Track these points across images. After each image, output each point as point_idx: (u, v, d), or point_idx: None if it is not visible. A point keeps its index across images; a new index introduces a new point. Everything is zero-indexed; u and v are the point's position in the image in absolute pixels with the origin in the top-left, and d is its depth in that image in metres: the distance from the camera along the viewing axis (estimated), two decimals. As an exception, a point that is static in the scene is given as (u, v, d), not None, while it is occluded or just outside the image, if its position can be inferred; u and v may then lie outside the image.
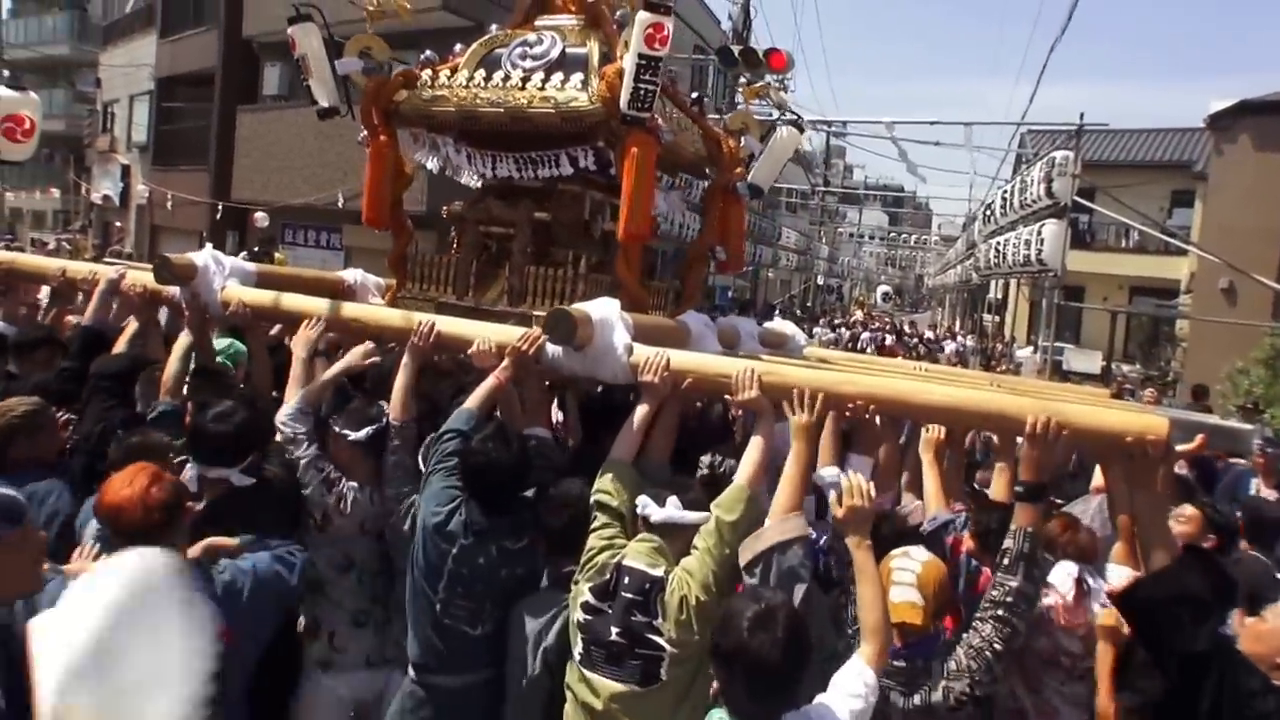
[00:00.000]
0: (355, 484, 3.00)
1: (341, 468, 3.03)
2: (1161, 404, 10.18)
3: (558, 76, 3.57)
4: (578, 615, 2.56)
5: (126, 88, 22.98)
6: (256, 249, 13.06)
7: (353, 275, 4.46)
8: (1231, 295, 15.16)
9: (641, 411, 2.90)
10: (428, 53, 4.02)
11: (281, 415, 3.04)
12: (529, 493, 2.88)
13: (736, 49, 16.87)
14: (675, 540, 2.58)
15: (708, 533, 2.55)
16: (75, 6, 30.81)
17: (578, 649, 2.54)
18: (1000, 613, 2.38)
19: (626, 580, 2.51)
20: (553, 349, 3.06)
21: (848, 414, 2.80)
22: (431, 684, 2.80)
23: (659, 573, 2.50)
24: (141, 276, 4.01)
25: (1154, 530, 2.55)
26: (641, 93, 3.19)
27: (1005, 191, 16.40)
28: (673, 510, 2.56)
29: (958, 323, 36.13)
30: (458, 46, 4.02)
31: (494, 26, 4.03)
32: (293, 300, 3.73)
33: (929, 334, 27.75)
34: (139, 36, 22.52)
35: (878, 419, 2.92)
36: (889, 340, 22.95)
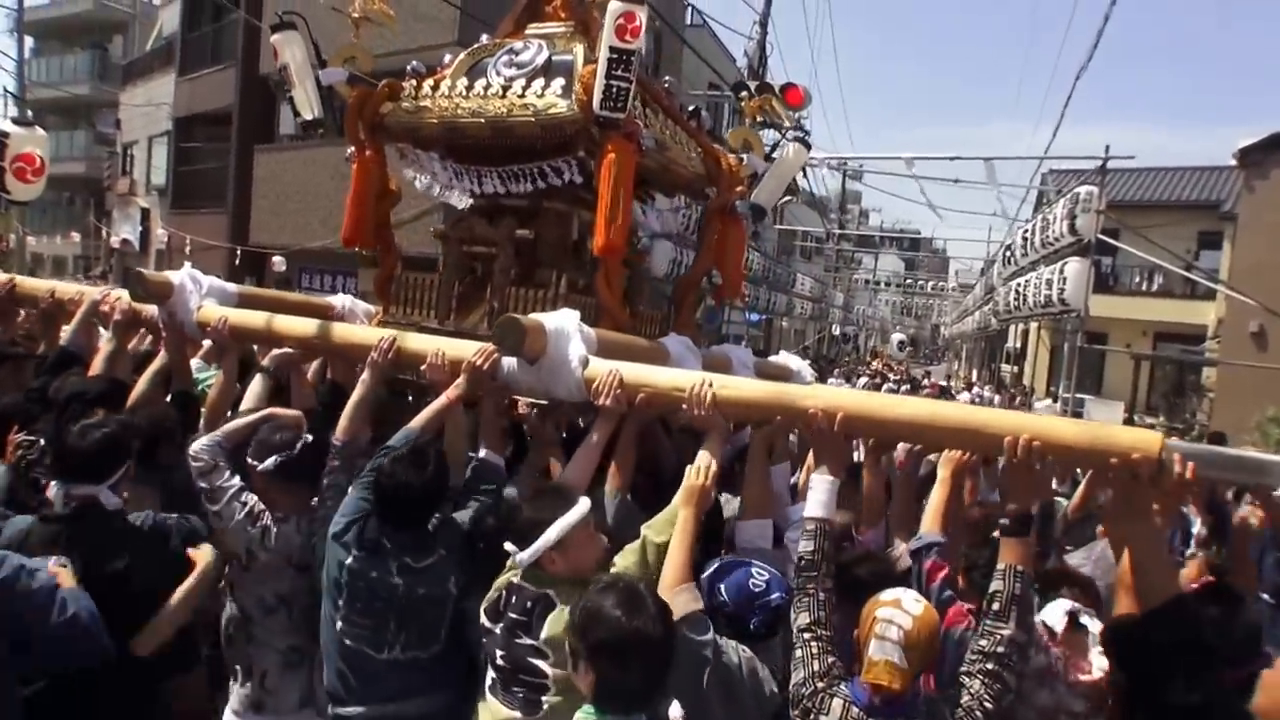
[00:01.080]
0: (279, 515, 2.85)
1: (267, 502, 2.87)
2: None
3: (539, 83, 3.39)
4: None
5: (145, 129, 23.20)
6: (273, 291, 13.03)
7: (341, 301, 4.30)
8: (1262, 339, 14.75)
9: (595, 436, 2.75)
10: (415, 63, 3.87)
11: (195, 446, 2.87)
12: (463, 515, 2.72)
13: (753, 84, 16.94)
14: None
15: (631, 551, 2.44)
16: (96, 46, 31.20)
17: (489, 674, 2.40)
18: (990, 665, 2.13)
19: (514, 599, 2.39)
20: (507, 363, 2.87)
21: (809, 428, 2.56)
22: (341, 716, 2.61)
23: (543, 591, 2.36)
24: (123, 295, 3.88)
25: (1149, 566, 2.24)
26: (614, 90, 2.99)
27: (1026, 231, 16.13)
28: (533, 551, 2.35)
29: (974, 373, 35.62)
30: (446, 57, 3.86)
31: (484, 36, 3.88)
32: (271, 320, 3.56)
33: (944, 383, 27.31)
34: (158, 76, 22.74)
35: (862, 446, 2.73)
36: (904, 390, 22.59)
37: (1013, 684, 2.14)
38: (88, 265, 29.09)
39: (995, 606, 2.19)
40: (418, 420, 2.87)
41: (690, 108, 3.97)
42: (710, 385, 2.63)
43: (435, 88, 3.65)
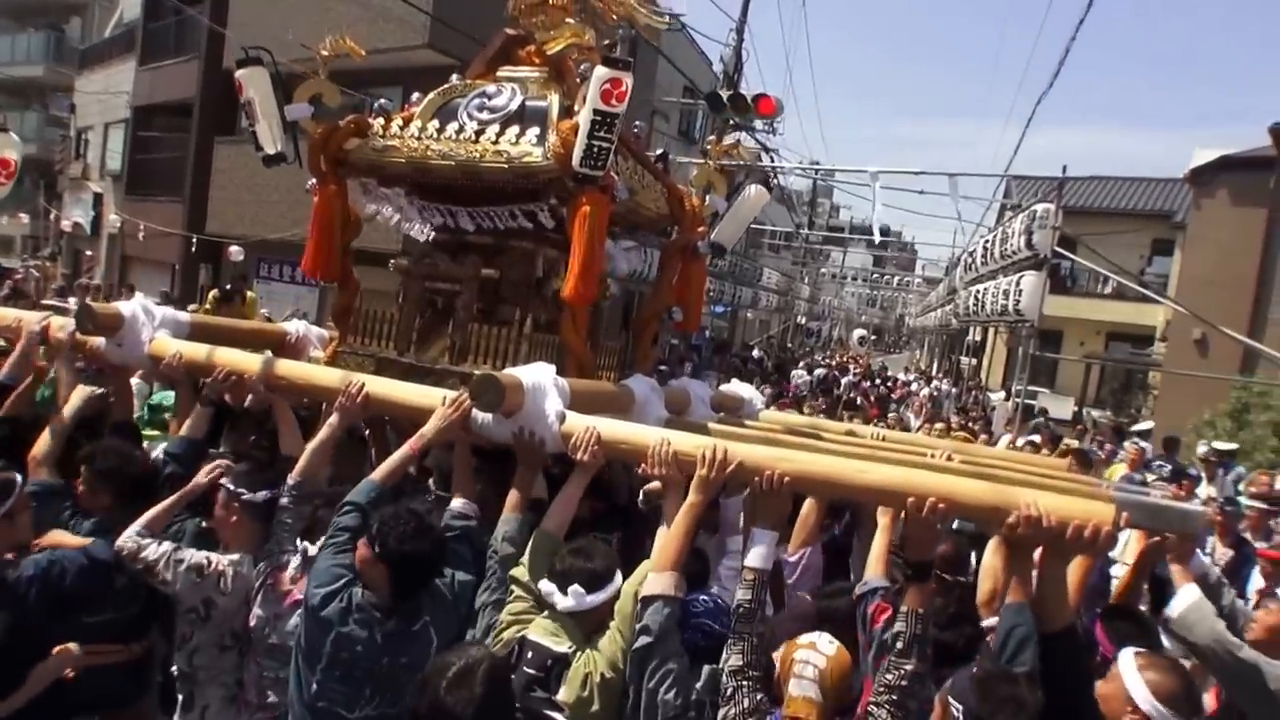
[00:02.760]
0: (234, 556, 2.88)
1: (223, 536, 2.91)
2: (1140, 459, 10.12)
3: (513, 130, 3.41)
4: None
5: (102, 115, 22.69)
6: (229, 286, 12.78)
7: (295, 327, 4.30)
8: (1204, 346, 15.35)
9: (571, 488, 2.82)
10: (382, 100, 3.88)
11: (120, 541, 2.85)
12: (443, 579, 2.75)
13: (725, 94, 16.86)
14: (584, 620, 2.54)
15: (620, 608, 2.54)
16: (53, 27, 30.11)
17: None
18: (895, 697, 2.32)
19: (529, 655, 2.47)
20: (482, 415, 2.89)
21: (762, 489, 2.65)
22: None
23: (563, 649, 2.47)
24: (66, 324, 3.77)
25: (1051, 596, 2.47)
26: (595, 150, 3.05)
27: (987, 241, 16.43)
28: (575, 600, 2.50)
29: (935, 364, 36.21)
30: (415, 95, 3.87)
31: (454, 76, 3.89)
32: (225, 355, 3.53)
33: (901, 376, 27.74)
34: (117, 63, 22.24)
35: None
36: (864, 383, 22.93)
37: (915, 710, 2.33)
38: (36, 245, 28.24)
39: (899, 645, 2.38)
40: (379, 472, 2.90)
41: (658, 151, 4.02)
42: (668, 444, 2.73)
43: (404, 127, 3.64)
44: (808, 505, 3.04)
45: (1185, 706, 2.23)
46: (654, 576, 2.53)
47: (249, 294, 12.93)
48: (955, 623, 2.76)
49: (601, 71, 3.03)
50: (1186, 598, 2.78)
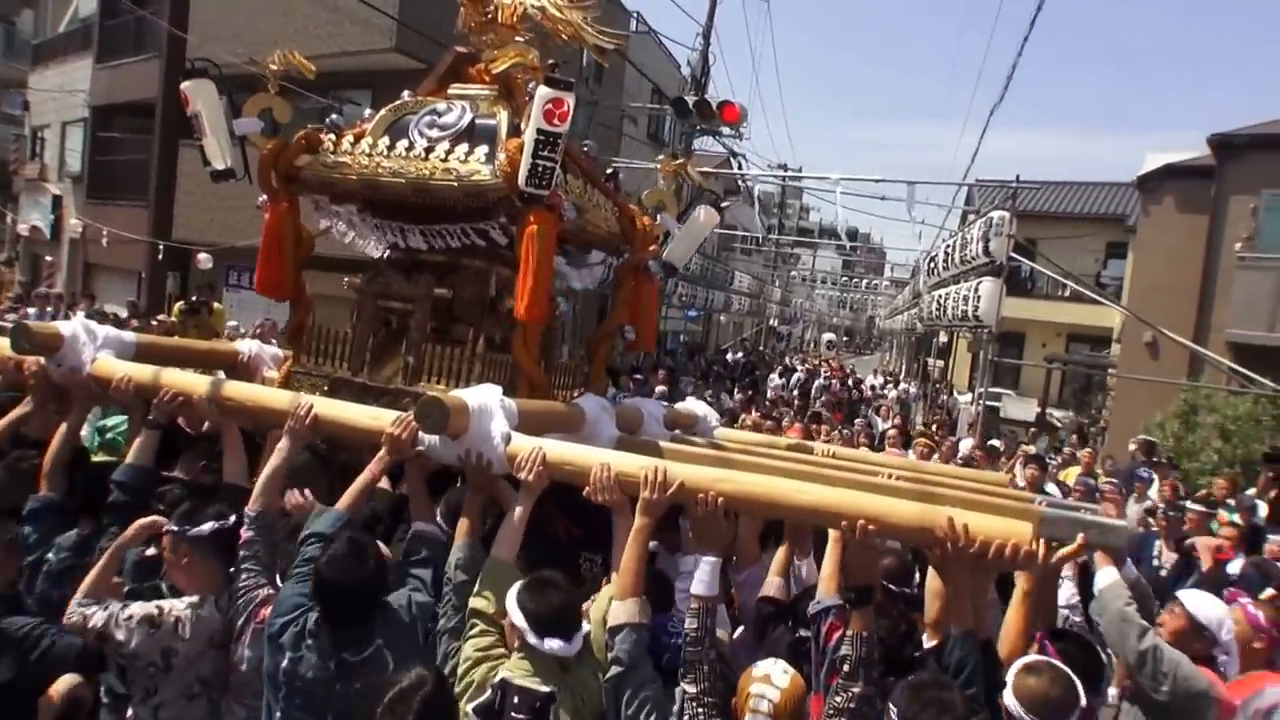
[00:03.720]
0: (193, 599, 2.80)
1: (177, 581, 2.85)
2: (1096, 460, 10.32)
3: (462, 148, 3.42)
4: None
5: (58, 113, 21.76)
6: (196, 296, 12.55)
7: (247, 347, 4.25)
8: (1155, 349, 15.74)
9: (518, 511, 2.80)
10: (334, 116, 3.86)
11: (68, 614, 2.78)
12: (400, 598, 2.74)
13: (691, 100, 16.92)
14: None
15: (593, 638, 2.59)
16: (3, 19, 28.70)
17: None
18: (845, 719, 2.40)
19: (516, 700, 2.43)
20: (429, 438, 2.90)
21: (699, 510, 2.69)
22: None
23: (549, 689, 2.45)
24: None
25: (958, 608, 2.59)
26: (540, 169, 3.08)
27: (948, 245, 16.68)
28: (556, 644, 2.48)
29: (903, 367, 36.55)
30: (367, 111, 3.86)
31: (406, 93, 3.89)
32: (170, 377, 3.47)
33: (870, 380, 28.04)
34: (73, 59, 21.29)
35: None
36: (835, 384, 23.11)
37: None
38: (-10, 250, 27.53)
39: (846, 668, 2.45)
40: (343, 502, 2.87)
41: (608, 170, 4.05)
42: (608, 468, 2.75)
43: (355, 144, 3.64)
44: (744, 524, 3.06)
45: (1044, 709, 2.33)
46: (617, 605, 2.54)
47: (216, 305, 12.70)
48: (906, 640, 2.81)
49: (544, 92, 3.05)
50: (1106, 578, 2.94)
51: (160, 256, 16.69)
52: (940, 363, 30.92)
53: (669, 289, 18.58)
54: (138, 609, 2.73)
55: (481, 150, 3.39)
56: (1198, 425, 12.06)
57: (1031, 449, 11.37)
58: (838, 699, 2.42)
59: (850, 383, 25.64)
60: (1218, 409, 11.76)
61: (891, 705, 2.31)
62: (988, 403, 15.52)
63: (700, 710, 2.44)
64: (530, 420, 3.02)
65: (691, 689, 2.46)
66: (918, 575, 3.42)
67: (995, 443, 11.60)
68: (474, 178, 3.34)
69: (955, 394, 23.50)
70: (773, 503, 2.71)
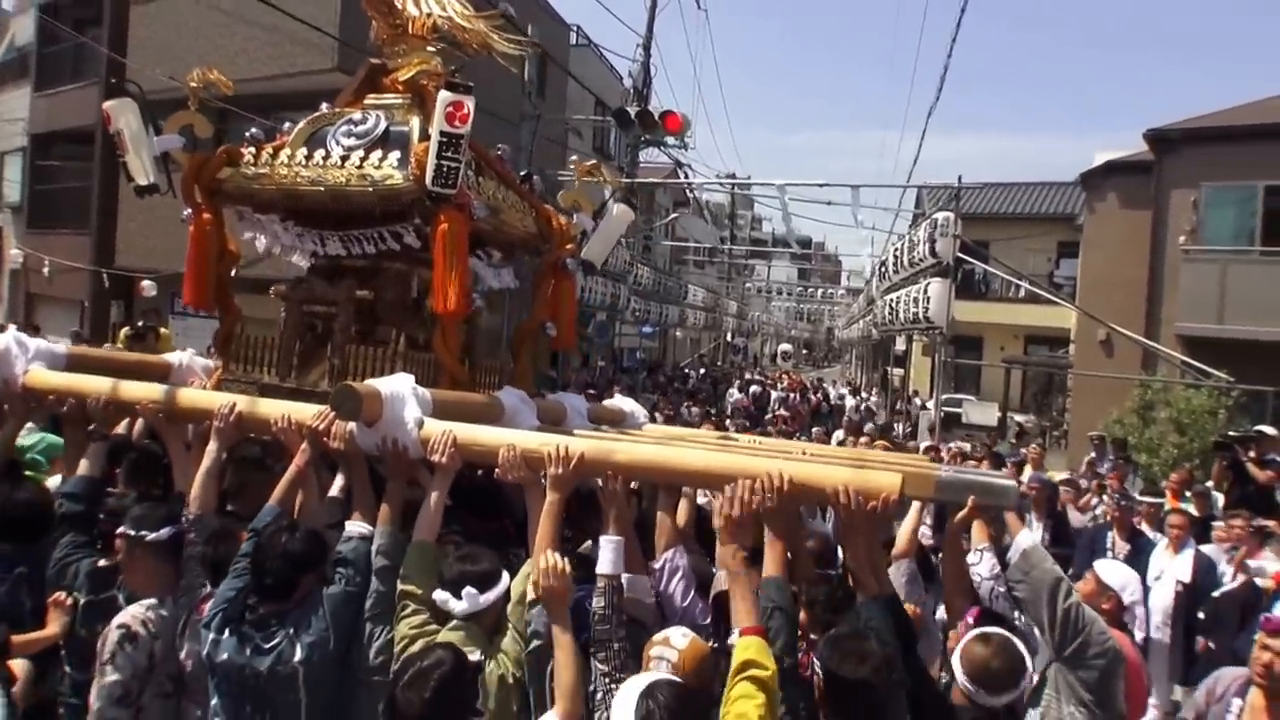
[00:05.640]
0: (150, 601, 2.89)
1: (131, 583, 2.92)
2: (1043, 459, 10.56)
3: (377, 154, 3.54)
4: None
5: None
6: (141, 323, 12.41)
7: (178, 358, 4.30)
8: (1109, 347, 15.91)
9: (434, 494, 2.90)
10: (254, 130, 3.95)
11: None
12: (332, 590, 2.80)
13: (633, 111, 17.02)
14: (484, 618, 2.67)
15: (511, 611, 2.69)
16: None
17: None
18: None
19: None
20: (348, 425, 3.00)
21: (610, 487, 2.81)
22: None
23: (475, 657, 2.54)
24: None
25: (862, 576, 2.68)
26: (445, 169, 3.20)
27: (897, 249, 16.95)
28: (469, 602, 2.63)
29: (863, 377, 36.87)
30: (286, 124, 3.95)
31: (324, 105, 3.98)
32: (102, 385, 3.55)
33: (834, 391, 28.24)
34: (10, 89, 21.05)
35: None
36: (792, 396, 23.30)
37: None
38: (-74, 283, 26.70)
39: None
40: (275, 496, 2.98)
41: (523, 172, 4.17)
42: (514, 448, 2.88)
43: (274, 155, 3.74)
44: (661, 514, 3.16)
45: (984, 676, 2.52)
46: (534, 581, 2.61)
47: (163, 331, 12.55)
48: (845, 605, 2.89)
49: (445, 95, 3.18)
50: (1027, 539, 3.07)
51: (105, 285, 16.42)
52: (900, 371, 31.28)
53: (621, 305, 18.69)
54: (111, 643, 2.78)
55: (394, 156, 3.51)
56: (1154, 420, 12.22)
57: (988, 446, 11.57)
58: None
59: (818, 395, 25.79)
60: (1172, 403, 11.93)
61: (815, 659, 2.42)
62: (948, 409, 15.73)
63: (612, 686, 2.50)
64: (447, 410, 3.14)
65: (603, 666, 2.54)
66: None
67: (964, 445, 11.74)
68: (388, 182, 3.45)
69: (916, 399, 23.72)
70: (666, 467, 2.86)
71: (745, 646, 2.27)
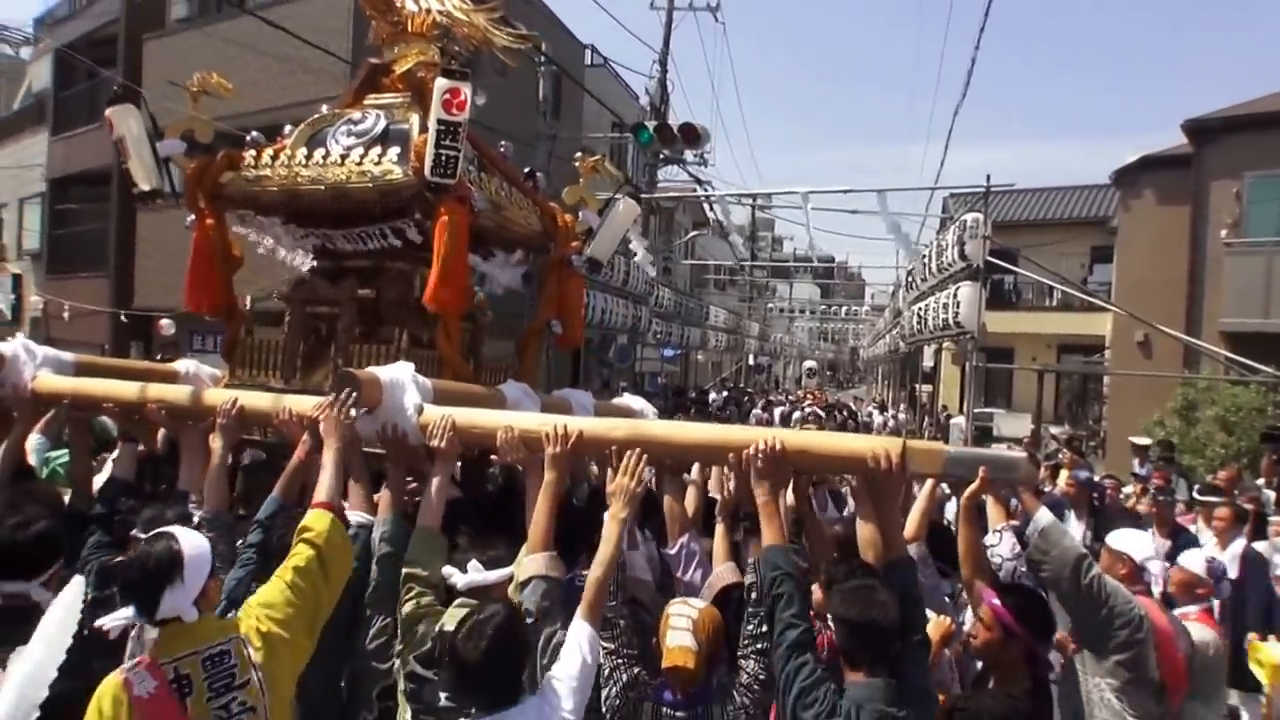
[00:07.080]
0: None
1: None
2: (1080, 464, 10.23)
3: (376, 151, 3.51)
4: (404, 685, 2.56)
5: (15, 190, 21.54)
6: (159, 355, 12.53)
7: (185, 366, 4.30)
8: (1147, 348, 15.49)
9: (436, 479, 2.88)
10: (254, 134, 3.92)
11: None
12: None
13: (651, 125, 17.00)
14: (488, 599, 2.59)
15: (512, 591, 2.67)
16: None
17: (405, 717, 2.54)
18: (761, 646, 2.49)
19: None
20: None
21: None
22: None
23: None
24: None
25: (889, 531, 2.64)
26: (443, 158, 3.16)
27: (925, 257, 16.67)
28: (475, 574, 2.63)
29: (890, 395, 36.36)
30: (287, 128, 3.92)
31: (324, 106, 3.96)
32: (105, 385, 3.59)
33: (864, 409, 27.86)
34: (28, 135, 21.23)
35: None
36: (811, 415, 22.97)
37: (782, 655, 2.43)
38: (-52, 337, 26.81)
39: (754, 595, 2.54)
40: (277, 489, 2.95)
41: (526, 169, 4.11)
42: (513, 429, 2.88)
43: (275, 157, 3.73)
44: (669, 500, 3.08)
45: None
46: (528, 559, 2.66)
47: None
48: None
49: (441, 83, 3.15)
50: (1046, 516, 3.03)
51: (123, 325, 16.56)
52: (928, 387, 30.81)
53: (643, 327, 18.57)
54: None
55: (394, 151, 3.49)
56: (1198, 420, 11.84)
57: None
58: (749, 626, 2.54)
59: (844, 413, 25.42)
60: (1218, 401, 11.53)
61: (829, 615, 2.44)
62: (979, 423, 15.35)
63: (620, 662, 2.57)
64: (448, 400, 3.10)
65: (610, 645, 2.58)
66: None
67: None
68: (388, 177, 3.43)
69: (944, 413, 23.28)
70: (668, 441, 2.85)
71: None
